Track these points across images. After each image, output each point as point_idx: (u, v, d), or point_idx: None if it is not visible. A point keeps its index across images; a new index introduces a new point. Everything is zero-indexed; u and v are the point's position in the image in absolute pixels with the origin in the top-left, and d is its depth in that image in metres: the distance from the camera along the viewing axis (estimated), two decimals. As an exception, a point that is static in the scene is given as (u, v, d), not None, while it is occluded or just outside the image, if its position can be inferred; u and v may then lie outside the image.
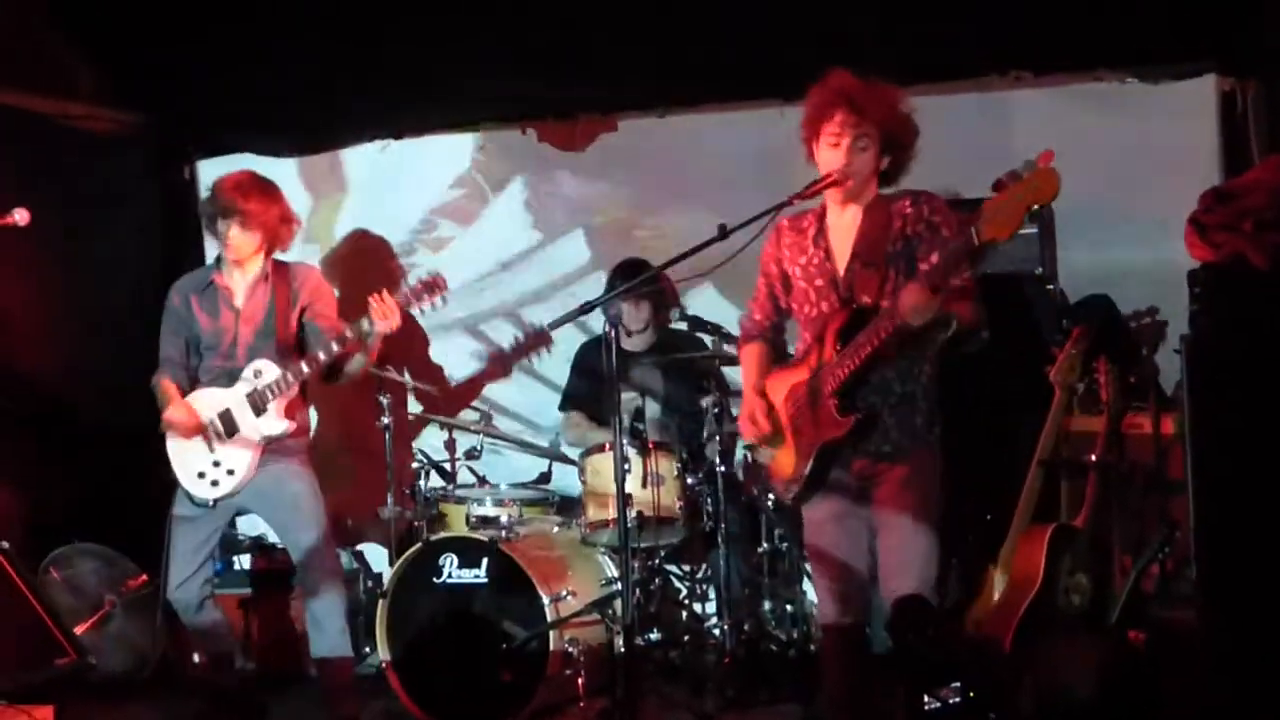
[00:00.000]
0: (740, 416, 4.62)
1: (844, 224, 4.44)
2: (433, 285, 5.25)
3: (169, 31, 6.55)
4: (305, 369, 5.31)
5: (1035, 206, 3.88)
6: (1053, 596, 4.78)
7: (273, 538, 6.11)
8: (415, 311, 5.38)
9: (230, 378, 5.40)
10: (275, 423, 5.34)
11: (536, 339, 6.03)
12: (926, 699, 4.21)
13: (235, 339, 5.44)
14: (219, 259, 5.56)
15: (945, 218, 4.29)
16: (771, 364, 4.61)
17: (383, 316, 5.21)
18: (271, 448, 5.35)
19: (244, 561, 6.49)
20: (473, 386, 7.10)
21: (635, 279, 5.36)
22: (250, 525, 6.30)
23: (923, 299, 4.00)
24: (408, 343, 7.01)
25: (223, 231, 5.42)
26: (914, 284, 4.03)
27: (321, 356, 5.29)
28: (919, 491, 4.30)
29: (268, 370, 5.35)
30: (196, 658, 5.76)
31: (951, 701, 4.20)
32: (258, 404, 5.33)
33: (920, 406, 4.33)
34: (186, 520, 5.39)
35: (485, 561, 5.53)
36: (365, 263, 7.26)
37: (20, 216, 5.15)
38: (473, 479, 6.40)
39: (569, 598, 5.46)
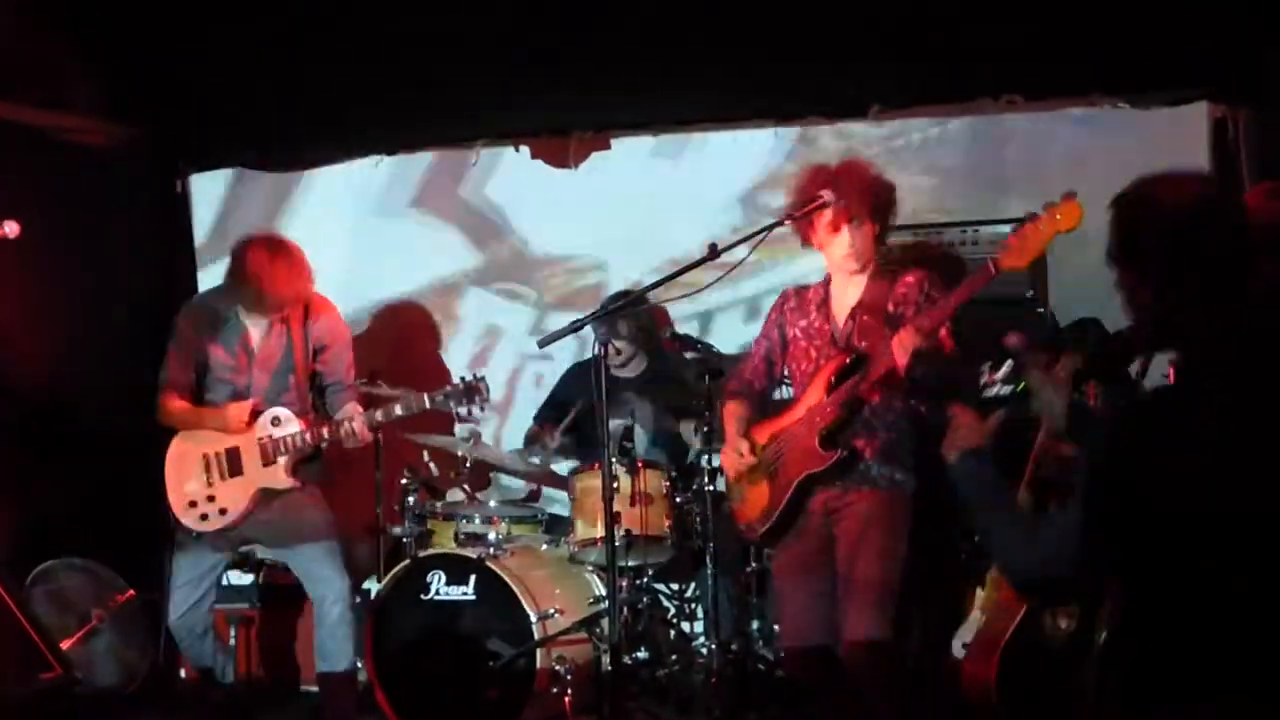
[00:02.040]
0: (723, 454, 4.80)
1: (848, 294, 4.67)
2: (473, 390, 5.25)
3: (162, 45, 6.56)
4: (326, 436, 5.32)
5: (1055, 236, 4.10)
6: (1038, 622, 4.73)
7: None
8: (452, 409, 5.37)
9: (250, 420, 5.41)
10: (280, 478, 5.36)
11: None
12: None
13: (250, 382, 5.45)
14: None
15: (943, 294, 4.44)
16: (752, 419, 4.76)
17: (352, 439, 5.28)
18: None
19: (232, 577, 6.45)
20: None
21: (619, 305, 5.39)
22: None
23: (914, 343, 4.22)
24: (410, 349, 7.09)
25: (244, 309, 5.42)
26: (906, 329, 4.26)
27: (325, 434, 5.32)
28: (883, 528, 4.43)
29: (287, 423, 5.36)
30: (184, 672, 5.77)
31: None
32: (268, 453, 5.34)
33: (897, 452, 4.50)
34: (187, 551, 5.42)
35: (473, 578, 5.54)
36: (404, 338, 7.26)
37: (10, 229, 5.17)
38: (462, 496, 6.38)
39: (556, 616, 5.47)
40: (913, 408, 4.50)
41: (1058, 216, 4.02)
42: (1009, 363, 4.62)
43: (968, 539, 5.32)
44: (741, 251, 4.39)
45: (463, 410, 5.31)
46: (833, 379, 4.47)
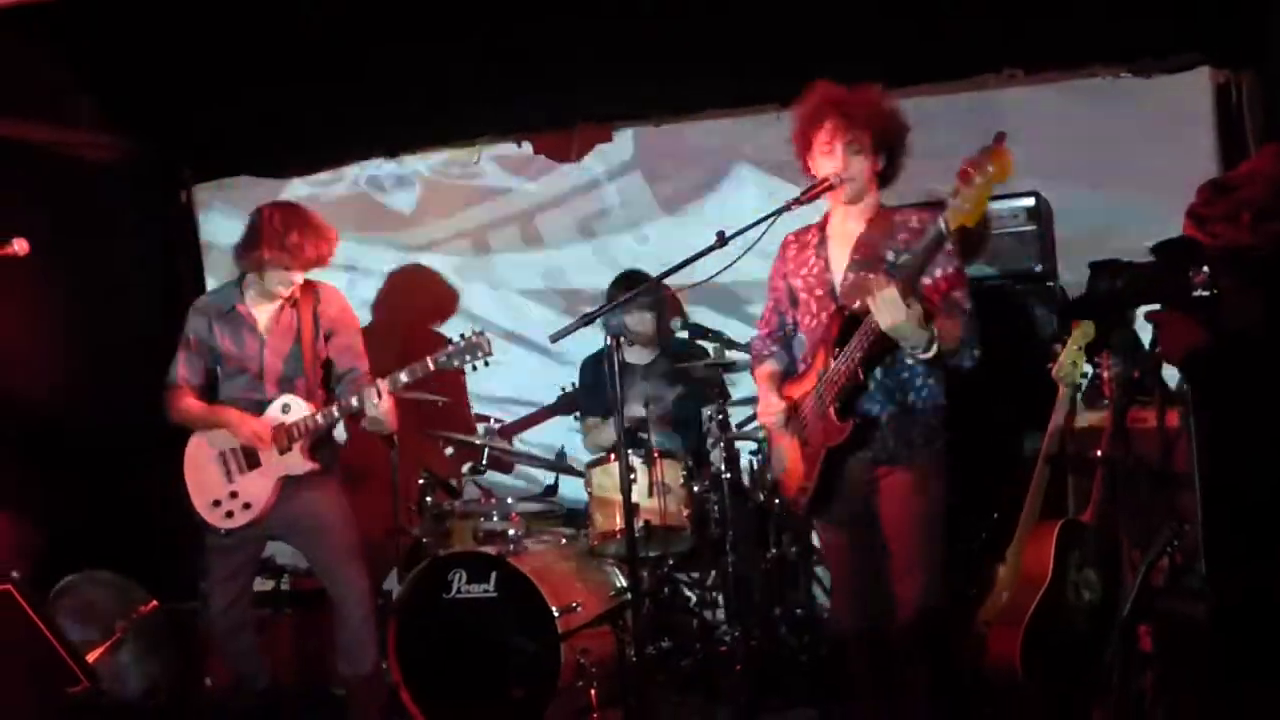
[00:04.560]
0: (759, 409, 4.65)
1: (844, 232, 4.50)
2: (475, 346, 5.22)
3: (162, 56, 6.54)
4: (336, 414, 5.31)
5: (992, 187, 3.88)
6: (1062, 592, 4.78)
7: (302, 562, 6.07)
8: (457, 367, 5.33)
9: (257, 406, 5.40)
10: (298, 463, 5.34)
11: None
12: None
13: (262, 369, 5.43)
14: (240, 281, 5.52)
15: (930, 255, 4.21)
16: (782, 380, 4.65)
17: (373, 408, 5.24)
18: (297, 478, 5.38)
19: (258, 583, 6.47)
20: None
21: (634, 290, 5.37)
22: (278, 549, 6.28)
23: (893, 303, 4.01)
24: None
25: (265, 271, 5.39)
26: (886, 288, 4.04)
27: (336, 413, 5.31)
28: (919, 501, 4.33)
29: (296, 407, 5.35)
30: (209, 681, 5.77)
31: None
32: (282, 440, 5.33)
33: (919, 419, 4.37)
34: (219, 548, 5.40)
35: (494, 576, 5.51)
36: (415, 300, 7.31)
37: (20, 247, 5.18)
38: (479, 494, 6.40)
39: (578, 609, 5.46)
40: (930, 363, 4.30)
41: (990, 168, 3.83)
42: (1205, 269, 4.57)
43: (989, 514, 5.36)
44: (750, 237, 4.31)
45: (469, 368, 5.25)
46: (834, 344, 4.32)
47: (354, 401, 5.27)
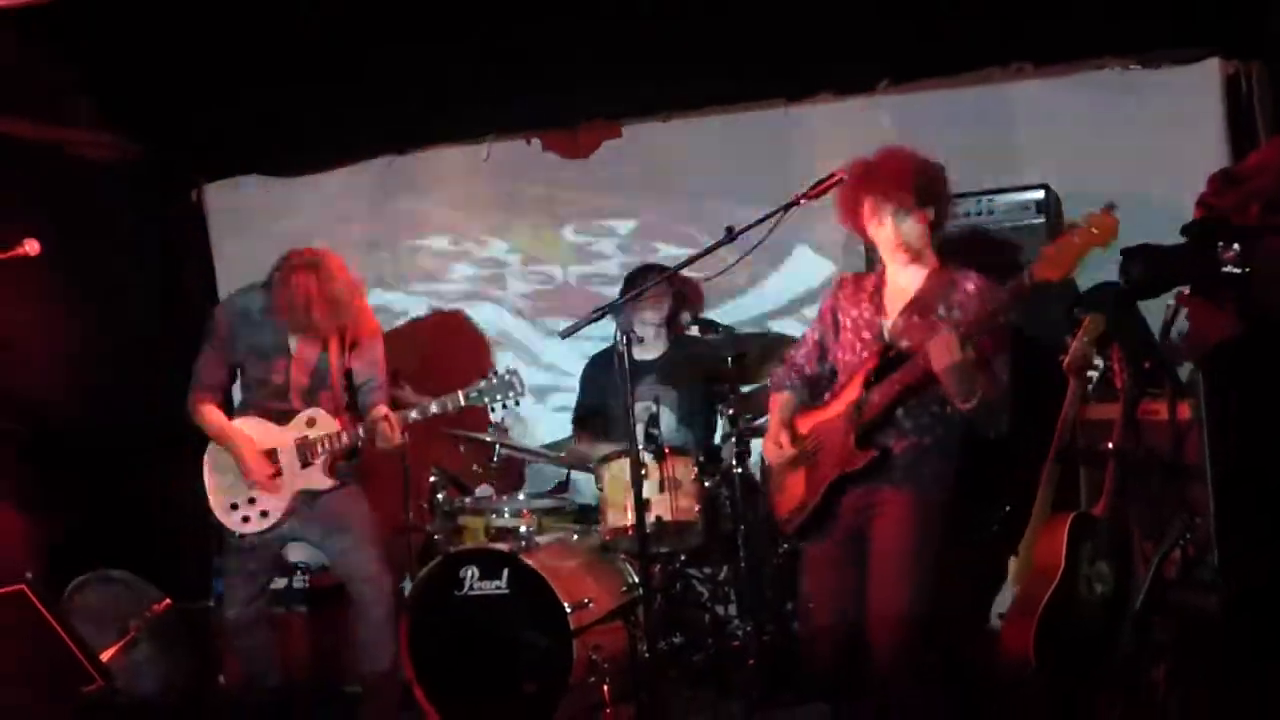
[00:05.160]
0: (765, 443, 4.73)
1: (902, 285, 4.59)
2: (507, 385, 5.26)
3: (168, 54, 6.54)
4: (362, 434, 5.32)
5: (1089, 250, 4.00)
6: (1075, 585, 4.75)
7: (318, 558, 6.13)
8: (487, 405, 5.38)
9: (282, 417, 5.41)
10: (319, 478, 5.36)
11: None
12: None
13: (288, 380, 5.43)
14: (268, 285, 5.45)
15: (1005, 306, 4.27)
16: (796, 409, 4.73)
17: (384, 439, 5.27)
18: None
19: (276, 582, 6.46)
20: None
21: (645, 285, 5.38)
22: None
23: (951, 346, 4.13)
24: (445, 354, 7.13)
25: (286, 336, 5.40)
26: (945, 331, 4.17)
27: (361, 432, 5.33)
28: (915, 534, 4.36)
29: (323, 422, 5.37)
30: (222, 679, 5.79)
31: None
32: (306, 455, 5.34)
33: (930, 455, 4.42)
34: (236, 548, 5.42)
35: (506, 572, 5.49)
36: (447, 346, 7.33)
37: (30, 247, 5.20)
38: (490, 490, 6.40)
39: (590, 605, 5.46)
40: (952, 410, 4.38)
41: (1094, 230, 3.96)
42: (1235, 246, 4.57)
43: (1000, 508, 5.35)
44: (759, 233, 4.39)
45: (498, 405, 5.31)
46: (870, 375, 4.42)
47: (360, 433, 5.31)
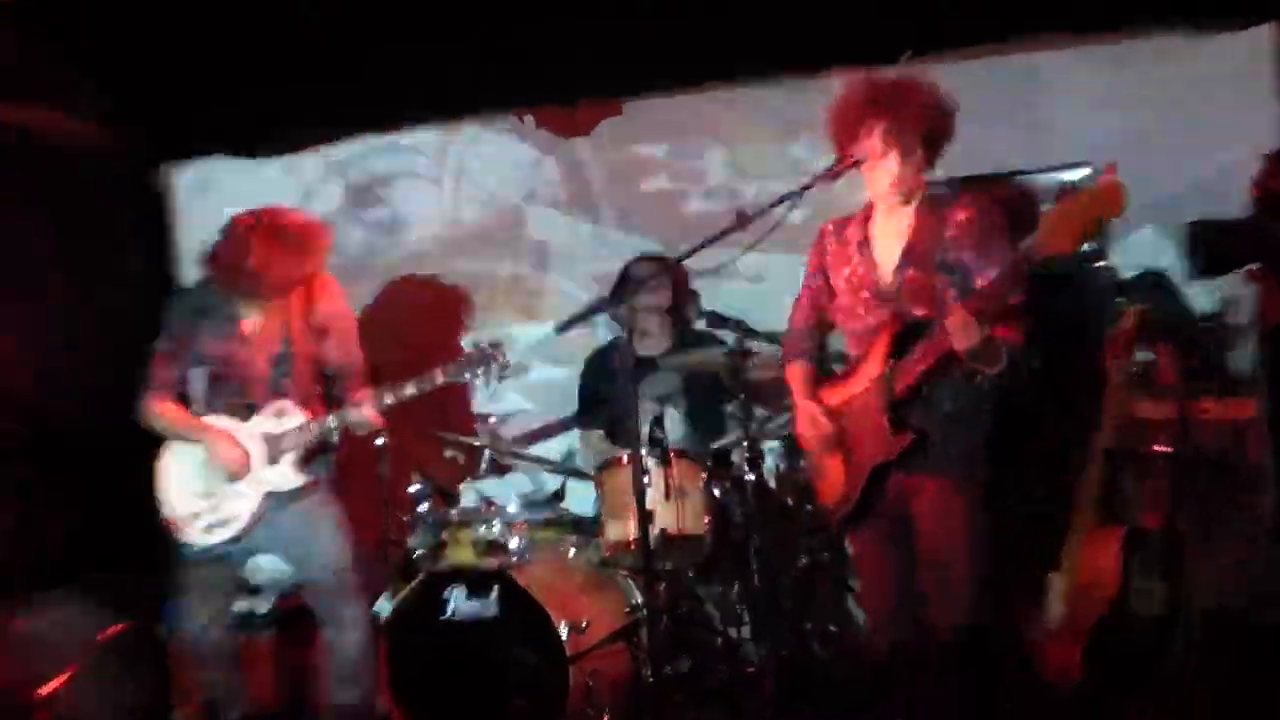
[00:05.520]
0: (798, 423, 4.69)
1: (892, 228, 4.51)
2: (489, 358, 5.21)
3: (130, 34, 6.51)
4: (332, 424, 5.26)
5: (1102, 220, 3.89)
6: (1126, 602, 4.72)
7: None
8: (468, 381, 5.35)
9: (246, 413, 5.33)
10: (287, 477, 5.28)
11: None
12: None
13: (249, 372, 5.35)
14: (214, 256, 5.39)
15: (1002, 228, 4.31)
16: (818, 377, 4.70)
17: (359, 427, 5.26)
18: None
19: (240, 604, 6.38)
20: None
21: (647, 276, 5.29)
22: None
23: (970, 327, 4.07)
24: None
25: (240, 298, 5.33)
26: (961, 310, 4.09)
27: (332, 423, 5.26)
28: (961, 517, 4.35)
29: (291, 414, 5.29)
30: (179, 712, 5.69)
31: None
32: (273, 450, 5.25)
33: (964, 428, 4.38)
34: (194, 563, 5.33)
35: (495, 592, 5.41)
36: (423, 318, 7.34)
37: None
38: (478, 501, 6.31)
39: (588, 627, 5.39)
40: (981, 379, 4.32)
41: (1096, 195, 3.84)
42: None
43: (1039, 518, 5.29)
44: (774, 216, 4.34)
45: (480, 381, 5.26)
46: (891, 348, 4.35)
47: (330, 422, 5.24)
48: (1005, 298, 4.10)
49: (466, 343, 5.58)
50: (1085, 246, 5.53)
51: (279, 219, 5.33)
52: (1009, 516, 4.51)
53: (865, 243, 4.53)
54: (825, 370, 4.73)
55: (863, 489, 4.43)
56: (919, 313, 4.35)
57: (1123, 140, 5.96)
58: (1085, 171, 5.62)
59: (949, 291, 4.31)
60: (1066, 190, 3.98)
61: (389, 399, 5.24)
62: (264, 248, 5.21)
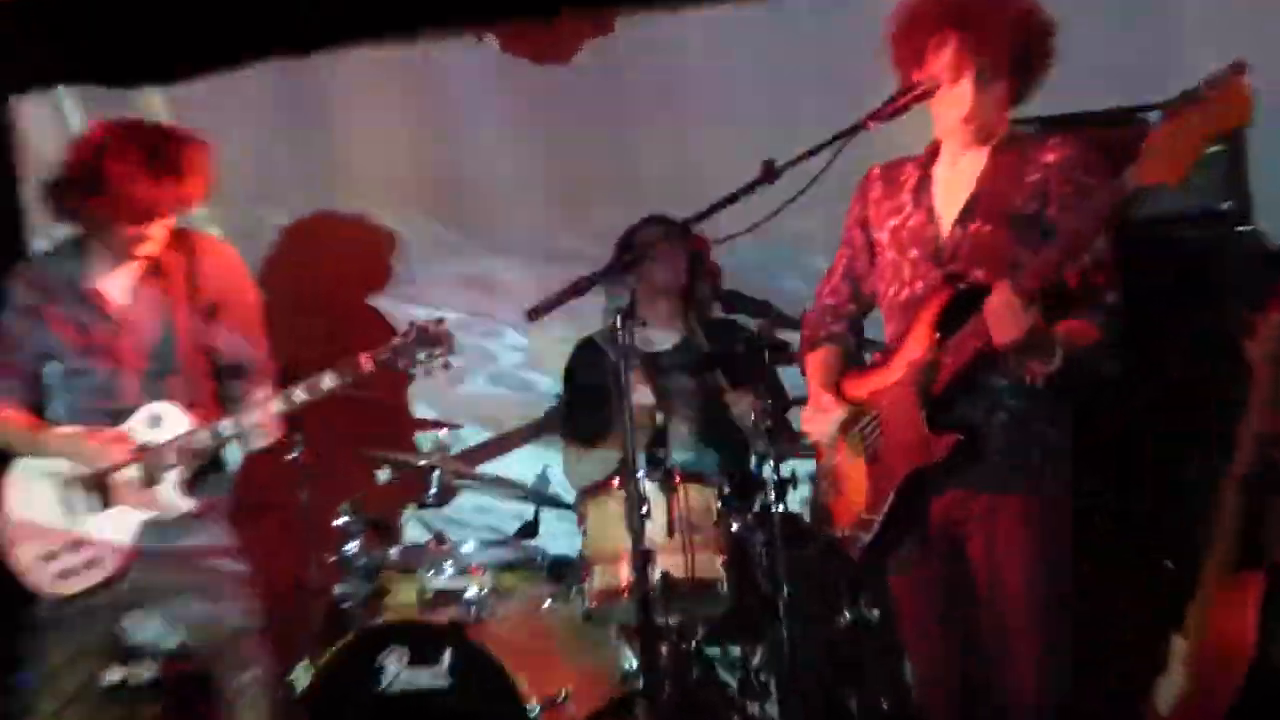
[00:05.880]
0: (805, 417, 4.71)
1: (960, 174, 4.50)
2: (432, 339, 5.19)
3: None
4: (228, 430, 5.23)
5: (1217, 136, 3.83)
6: (1271, 668, 4.68)
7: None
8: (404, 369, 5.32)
9: (113, 419, 5.30)
10: (171, 500, 5.25)
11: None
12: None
13: (117, 366, 5.33)
14: (79, 242, 5.41)
15: (1099, 181, 4.22)
16: (843, 370, 4.74)
17: (254, 437, 5.25)
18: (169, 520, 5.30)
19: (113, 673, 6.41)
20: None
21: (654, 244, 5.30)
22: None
23: (1013, 312, 4.05)
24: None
25: (102, 227, 5.29)
26: (1005, 288, 4.06)
27: (228, 428, 5.23)
28: (1037, 548, 4.33)
29: (170, 419, 5.27)
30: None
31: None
32: (151, 468, 5.23)
33: (1038, 430, 4.36)
34: (52, 622, 5.32)
35: (447, 656, 5.44)
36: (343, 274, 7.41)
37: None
38: (426, 536, 6.35)
39: (568, 702, 5.42)
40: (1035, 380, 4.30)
41: (1219, 104, 3.76)
42: None
43: (1155, 564, 5.36)
44: (818, 163, 4.28)
45: (419, 368, 5.24)
46: (938, 323, 4.30)
47: (222, 429, 5.22)
48: (1069, 265, 4.09)
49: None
50: (1224, 205, 5.63)
51: (142, 126, 5.37)
52: (1105, 556, 4.48)
53: (923, 187, 4.55)
54: (857, 360, 4.77)
55: (891, 504, 4.38)
56: (979, 275, 4.33)
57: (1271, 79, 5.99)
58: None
59: (1022, 252, 4.26)
60: (1176, 102, 3.93)
61: (300, 396, 5.21)
62: (125, 159, 5.17)
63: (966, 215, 4.42)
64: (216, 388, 5.47)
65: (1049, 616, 4.30)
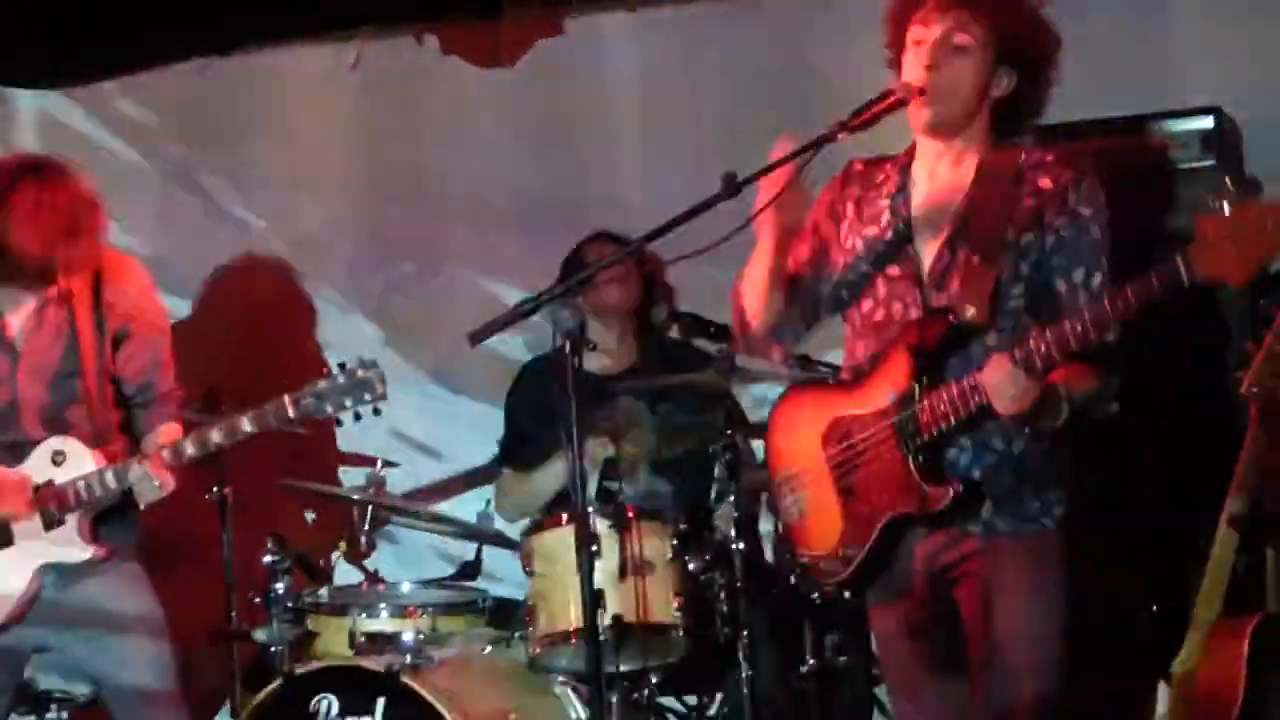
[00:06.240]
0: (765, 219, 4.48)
1: (938, 182, 4.43)
2: (361, 384, 5.12)
3: None
4: (113, 483, 5.16)
5: None
6: (1262, 713, 4.74)
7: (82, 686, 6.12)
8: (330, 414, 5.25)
9: (11, 455, 5.30)
10: (72, 546, 5.23)
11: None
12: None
13: (16, 399, 5.32)
14: None
15: (1097, 211, 4.24)
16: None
17: (143, 490, 5.15)
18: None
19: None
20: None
21: (599, 264, 5.29)
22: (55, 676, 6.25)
23: (1017, 387, 4.04)
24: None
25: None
26: (1004, 362, 4.04)
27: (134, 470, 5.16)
28: (1026, 591, 4.32)
29: (74, 456, 5.23)
30: None
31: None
32: (49, 509, 5.19)
33: (1032, 473, 4.33)
34: None
35: (381, 704, 5.44)
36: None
37: None
38: (358, 576, 6.34)
39: None
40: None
41: None
42: None
43: (1143, 608, 5.50)
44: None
45: (346, 412, 5.18)
46: (926, 358, 4.27)
47: (110, 480, 5.16)
48: (1095, 341, 4.03)
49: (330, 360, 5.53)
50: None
51: (34, 162, 5.39)
52: (1095, 602, 4.49)
53: (902, 194, 4.47)
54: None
55: (871, 547, 4.35)
56: (970, 311, 4.25)
57: (1272, 81, 6.09)
58: (1207, 122, 5.73)
59: (1020, 288, 4.25)
60: (1235, 192, 3.87)
61: (215, 439, 5.17)
62: (20, 203, 5.19)
63: (955, 240, 4.35)
64: (122, 418, 5.43)
65: (1045, 662, 4.29)
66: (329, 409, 5.13)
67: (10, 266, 5.23)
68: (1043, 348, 3.99)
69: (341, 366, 5.16)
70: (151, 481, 5.12)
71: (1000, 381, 4.04)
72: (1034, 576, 4.31)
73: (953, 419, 4.18)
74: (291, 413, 5.12)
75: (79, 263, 5.30)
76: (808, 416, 4.56)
